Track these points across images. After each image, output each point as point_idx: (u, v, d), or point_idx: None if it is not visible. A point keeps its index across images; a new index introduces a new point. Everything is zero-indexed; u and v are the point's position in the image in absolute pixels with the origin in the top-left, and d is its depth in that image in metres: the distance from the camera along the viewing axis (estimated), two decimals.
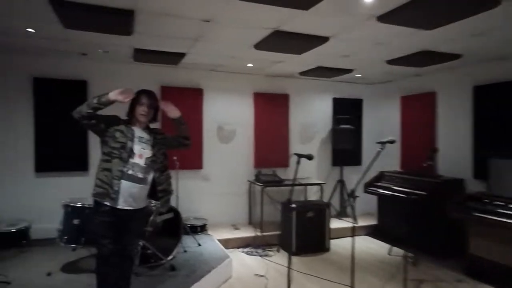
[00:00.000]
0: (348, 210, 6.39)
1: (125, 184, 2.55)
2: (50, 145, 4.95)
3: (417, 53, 4.22)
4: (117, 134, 2.59)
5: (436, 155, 5.03)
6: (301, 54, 4.33)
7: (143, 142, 2.68)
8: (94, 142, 4.62)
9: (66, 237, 3.64)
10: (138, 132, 2.69)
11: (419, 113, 5.92)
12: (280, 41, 3.78)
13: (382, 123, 6.78)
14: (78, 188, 4.33)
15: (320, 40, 3.70)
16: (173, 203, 4.63)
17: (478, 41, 3.75)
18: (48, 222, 4.37)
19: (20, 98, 4.84)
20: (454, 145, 5.28)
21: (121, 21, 3.26)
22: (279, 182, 5.65)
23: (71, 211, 3.69)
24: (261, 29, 3.50)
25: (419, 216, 4.89)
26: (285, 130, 6.26)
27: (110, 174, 2.55)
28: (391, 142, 3.01)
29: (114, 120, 2.65)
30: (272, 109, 6.17)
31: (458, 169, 5.14)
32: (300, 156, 2.97)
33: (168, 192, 2.97)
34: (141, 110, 2.65)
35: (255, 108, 6.11)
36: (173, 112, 2.79)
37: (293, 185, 3.71)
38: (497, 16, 2.96)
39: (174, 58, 4.81)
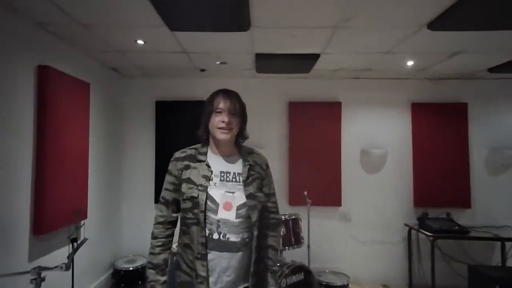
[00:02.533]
0: None
1: (213, 261, 1.51)
2: None
3: None
4: (185, 187, 1.57)
5: None
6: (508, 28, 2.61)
7: (229, 181, 1.59)
8: None
9: None
10: (218, 164, 1.62)
11: None
12: (478, 4, 2.23)
13: None
14: None
15: None
16: (302, 255, 3.45)
17: None
18: None
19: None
20: None
21: (233, 7, 2.35)
22: (460, 232, 3.78)
23: None
24: None
25: None
26: (463, 154, 4.35)
27: (191, 252, 1.54)
28: None
29: (179, 172, 1.62)
30: (440, 124, 4.38)
31: None
32: None
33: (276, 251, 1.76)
34: (219, 121, 1.58)
35: (413, 125, 4.45)
36: None
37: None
38: None
39: (305, 63, 3.73)
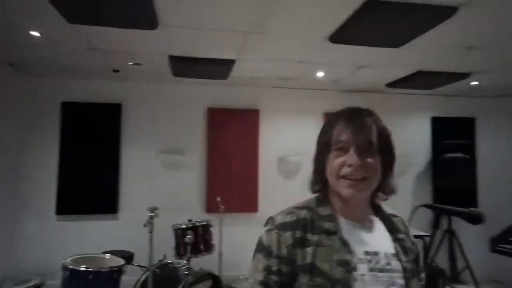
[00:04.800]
0: (464, 274, 4.50)
1: None
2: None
3: None
4: (305, 281, 0.87)
5: None
6: (400, 46, 2.91)
7: (383, 270, 0.92)
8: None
9: None
10: (357, 237, 0.94)
11: None
12: (369, 22, 2.45)
13: (507, 150, 4.88)
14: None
15: (442, 12, 2.28)
16: (212, 263, 3.39)
17: None
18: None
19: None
20: None
21: (136, 1, 2.24)
22: None
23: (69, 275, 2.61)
24: (346, 1, 2.22)
25: None
26: None
27: None
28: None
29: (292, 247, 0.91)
30: None
31: None
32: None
33: None
34: (341, 165, 0.92)
35: None
36: None
37: None
38: None
39: (221, 69, 3.73)
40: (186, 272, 2.75)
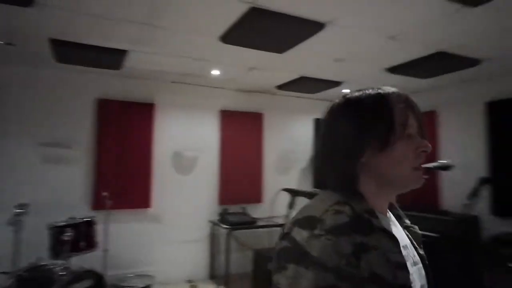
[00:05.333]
0: None
1: None
2: None
3: (433, 55, 3.26)
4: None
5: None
6: (283, 52, 3.24)
7: (415, 263, 0.84)
8: None
9: None
10: (395, 233, 0.81)
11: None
12: (255, 27, 2.69)
13: None
14: None
15: (312, 27, 2.64)
16: (96, 261, 3.25)
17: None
18: None
19: None
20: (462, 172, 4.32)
21: None
22: (250, 223, 4.38)
23: None
24: (233, 5, 2.39)
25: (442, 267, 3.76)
26: (259, 157, 5.08)
27: None
28: (445, 168, 1.83)
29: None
30: (242, 131, 5.00)
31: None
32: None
33: None
34: (416, 151, 0.80)
35: (222, 130, 4.91)
36: None
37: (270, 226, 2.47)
38: None
39: (111, 58, 3.58)
40: (63, 272, 2.56)
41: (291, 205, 1.76)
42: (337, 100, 0.86)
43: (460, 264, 3.52)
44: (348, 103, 0.83)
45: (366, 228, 0.72)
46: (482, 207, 4.04)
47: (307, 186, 5.35)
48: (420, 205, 4.37)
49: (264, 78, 4.33)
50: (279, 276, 0.70)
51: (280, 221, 4.50)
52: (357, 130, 0.79)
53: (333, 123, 0.84)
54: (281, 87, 4.66)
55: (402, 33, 2.81)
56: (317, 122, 5.39)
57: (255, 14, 2.48)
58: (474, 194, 2.95)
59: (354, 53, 3.34)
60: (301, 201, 1.92)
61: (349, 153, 0.80)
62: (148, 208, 4.36)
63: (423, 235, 0.94)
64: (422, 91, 4.80)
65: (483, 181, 3.11)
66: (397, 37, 2.87)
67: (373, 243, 0.71)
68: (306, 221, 0.73)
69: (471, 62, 3.48)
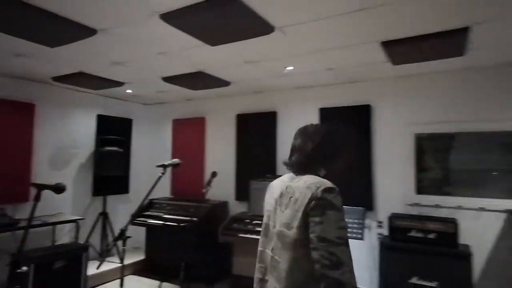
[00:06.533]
0: (115, 249, 5.42)
1: None
2: None
3: (196, 73, 4.05)
4: None
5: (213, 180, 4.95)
6: (54, 47, 3.23)
7: None
8: None
9: None
10: None
11: (190, 137, 5.87)
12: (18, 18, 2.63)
13: (154, 147, 6.34)
14: None
15: (83, 31, 2.83)
16: None
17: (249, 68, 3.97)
18: None
19: None
20: (221, 169, 5.45)
21: None
22: (11, 225, 3.98)
23: None
24: None
25: (190, 244, 4.63)
26: (29, 151, 4.63)
27: None
28: (175, 165, 2.52)
29: None
30: (11, 122, 4.42)
31: (224, 192, 5.34)
32: (42, 187, 1.92)
33: None
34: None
35: None
36: None
37: (31, 226, 2.54)
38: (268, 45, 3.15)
39: None
40: None
41: (36, 199, 1.95)
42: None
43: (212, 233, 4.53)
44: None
45: None
46: (229, 194, 5.31)
47: (86, 182, 5.33)
48: (189, 195, 5.30)
49: (35, 64, 3.99)
50: (322, 217, 1.34)
51: (49, 219, 4.32)
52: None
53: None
54: (58, 79, 4.46)
55: (172, 52, 3.38)
56: (100, 118, 5.45)
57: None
58: (208, 183, 3.94)
59: (131, 61, 3.71)
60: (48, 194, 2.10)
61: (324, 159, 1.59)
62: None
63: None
64: (195, 99, 5.73)
65: (213, 174, 4.17)
66: (166, 54, 3.44)
67: None
68: (329, 189, 1.38)
69: (225, 83, 4.53)
